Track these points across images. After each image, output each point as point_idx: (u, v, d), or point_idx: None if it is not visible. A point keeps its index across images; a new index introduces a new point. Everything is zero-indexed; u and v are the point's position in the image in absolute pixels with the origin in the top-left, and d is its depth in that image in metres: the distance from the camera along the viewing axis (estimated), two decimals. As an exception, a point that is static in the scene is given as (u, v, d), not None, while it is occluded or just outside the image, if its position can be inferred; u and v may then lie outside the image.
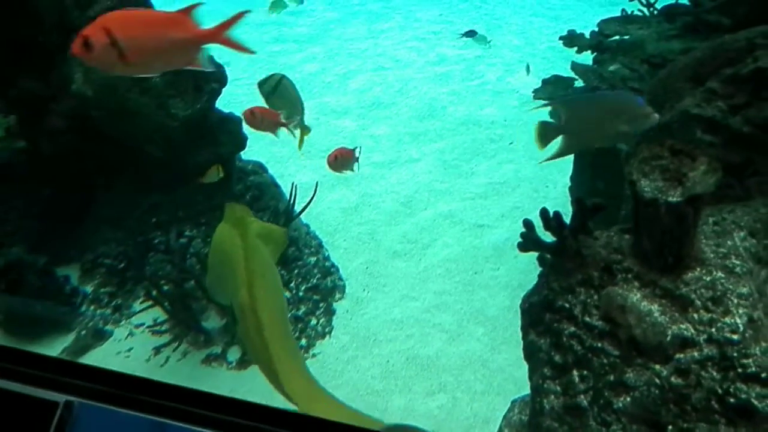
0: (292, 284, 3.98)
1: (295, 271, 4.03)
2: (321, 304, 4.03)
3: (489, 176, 5.66)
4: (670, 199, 1.86)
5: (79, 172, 3.78)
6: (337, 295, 4.21)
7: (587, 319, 2.00)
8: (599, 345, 1.94)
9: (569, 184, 4.67)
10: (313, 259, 4.18)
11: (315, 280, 4.10)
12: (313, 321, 3.92)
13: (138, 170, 3.85)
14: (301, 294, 4.00)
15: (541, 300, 2.16)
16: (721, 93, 2.60)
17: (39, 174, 3.70)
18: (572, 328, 2.02)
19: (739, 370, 1.68)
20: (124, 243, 3.83)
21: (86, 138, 3.63)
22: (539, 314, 2.15)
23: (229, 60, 7.85)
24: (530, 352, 2.16)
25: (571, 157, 4.70)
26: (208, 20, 2.22)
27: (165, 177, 3.88)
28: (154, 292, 3.55)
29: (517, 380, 3.40)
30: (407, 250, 4.76)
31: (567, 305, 2.06)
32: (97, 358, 3.51)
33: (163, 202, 3.91)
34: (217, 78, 3.92)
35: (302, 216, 4.27)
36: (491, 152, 6.03)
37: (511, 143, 6.15)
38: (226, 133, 3.99)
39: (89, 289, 3.78)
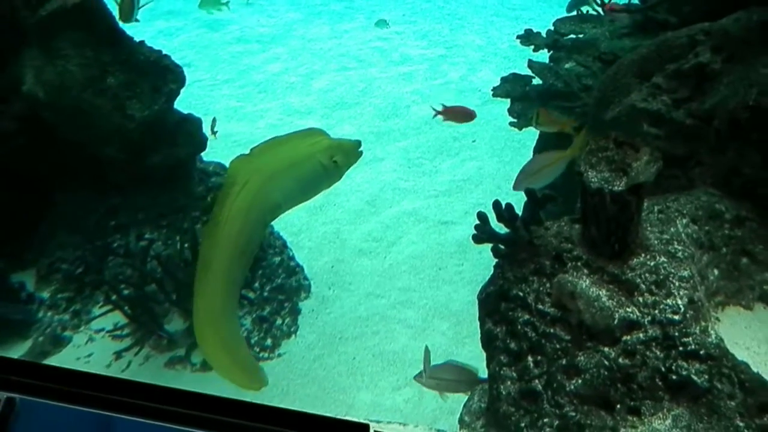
0: (257, 284, 3.96)
1: (260, 272, 4.02)
2: (286, 304, 4.03)
3: (452, 174, 5.74)
4: (614, 188, 1.94)
5: (32, 175, 3.70)
6: (303, 295, 4.21)
7: (540, 306, 2.06)
8: (552, 331, 2.00)
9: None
10: (277, 259, 4.17)
11: (280, 280, 4.09)
12: (279, 321, 3.92)
13: (95, 173, 3.78)
14: (266, 294, 3.98)
15: (496, 290, 2.22)
16: (666, 87, 2.71)
17: (-10, 177, 3.61)
18: (526, 316, 2.08)
19: (680, 348, 1.77)
20: (82, 247, 3.76)
21: (39, 140, 3.56)
22: (495, 304, 2.21)
23: (190, 61, 7.81)
24: (487, 341, 2.21)
25: (531, 154, 4.81)
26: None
27: (123, 179, 3.82)
28: (114, 296, 3.50)
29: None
30: (372, 248, 4.79)
31: (521, 294, 2.12)
32: (55, 364, 3.43)
33: (122, 204, 3.86)
34: (175, 79, 3.89)
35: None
36: (454, 150, 6.11)
37: (474, 141, 6.24)
38: (185, 135, 3.95)
39: (46, 294, 3.70)
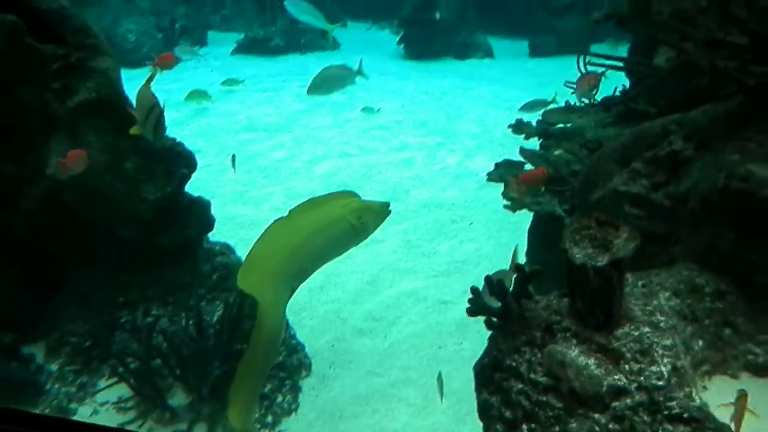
0: (258, 361, 4.01)
1: (262, 349, 4.08)
2: (287, 382, 4.06)
3: (451, 255, 5.90)
4: (597, 263, 2.10)
5: (48, 252, 3.86)
6: (303, 373, 4.25)
7: (532, 375, 2.16)
8: (544, 399, 2.09)
9: (525, 260, 4.92)
10: (279, 336, 4.24)
11: (281, 358, 4.14)
12: (279, 398, 3.94)
13: (107, 250, 3.95)
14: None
15: (490, 361, 2.32)
16: (644, 172, 2.94)
17: (9, 252, 3.77)
18: (520, 385, 2.17)
19: (666, 412, 1.86)
20: (91, 321, 3.85)
21: (57, 219, 3.75)
22: (490, 374, 2.30)
23: (200, 147, 8.21)
24: (483, 411, 2.28)
25: (526, 236, 5.00)
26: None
27: (134, 257, 3.99)
28: (121, 369, 3.56)
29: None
30: (372, 327, 4.86)
31: (514, 364, 2.22)
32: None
33: (131, 281, 4.00)
34: (188, 164, 4.15)
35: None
36: (453, 232, 6.31)
37: (472, 224, 6.46)
38: (194, 216, 4.16)
39: (54, 367, 3.75)
